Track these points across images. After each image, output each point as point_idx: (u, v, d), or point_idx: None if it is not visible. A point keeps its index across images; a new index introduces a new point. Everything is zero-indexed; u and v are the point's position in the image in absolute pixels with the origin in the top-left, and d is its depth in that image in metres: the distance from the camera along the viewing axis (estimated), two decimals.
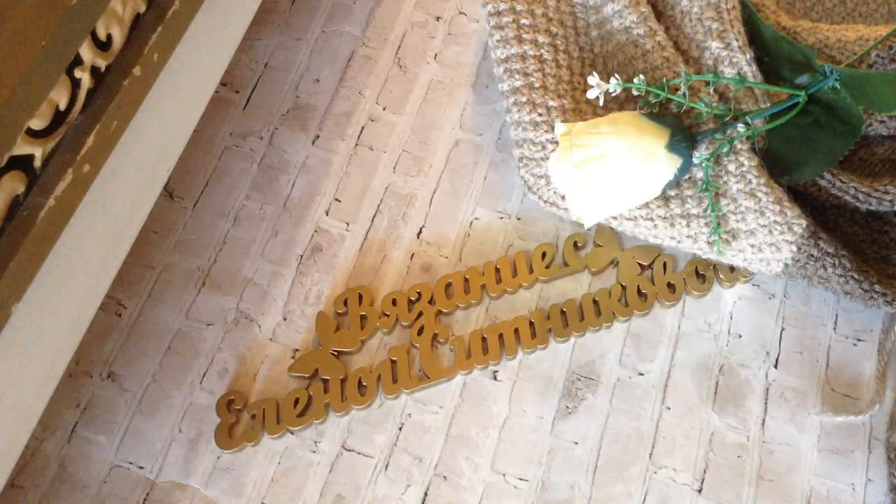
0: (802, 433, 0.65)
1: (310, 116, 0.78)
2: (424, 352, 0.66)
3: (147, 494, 0.63)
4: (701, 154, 0.65)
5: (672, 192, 0.66)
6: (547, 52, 0.72)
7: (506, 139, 0.76)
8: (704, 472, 0.64)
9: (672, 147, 0.63)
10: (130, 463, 0.64)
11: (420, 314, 0.68)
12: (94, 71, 0.51)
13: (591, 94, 0.65)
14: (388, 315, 0.68)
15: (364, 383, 0.65)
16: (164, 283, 0.70)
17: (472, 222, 0.73)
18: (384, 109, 0.78)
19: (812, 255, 0.64)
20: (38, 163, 0.48)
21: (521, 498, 0.63)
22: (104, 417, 0.65)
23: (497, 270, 0.70)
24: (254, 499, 0.63)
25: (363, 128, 0.77)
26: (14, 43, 0.42)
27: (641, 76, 0.65)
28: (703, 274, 0.69)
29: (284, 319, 0.69)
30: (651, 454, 0.64)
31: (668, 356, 0.67)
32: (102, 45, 0.51)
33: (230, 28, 0.68)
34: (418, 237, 0.72)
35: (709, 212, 0.64)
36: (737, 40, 0.67)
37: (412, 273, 0.71)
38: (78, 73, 0.49)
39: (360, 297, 0.69)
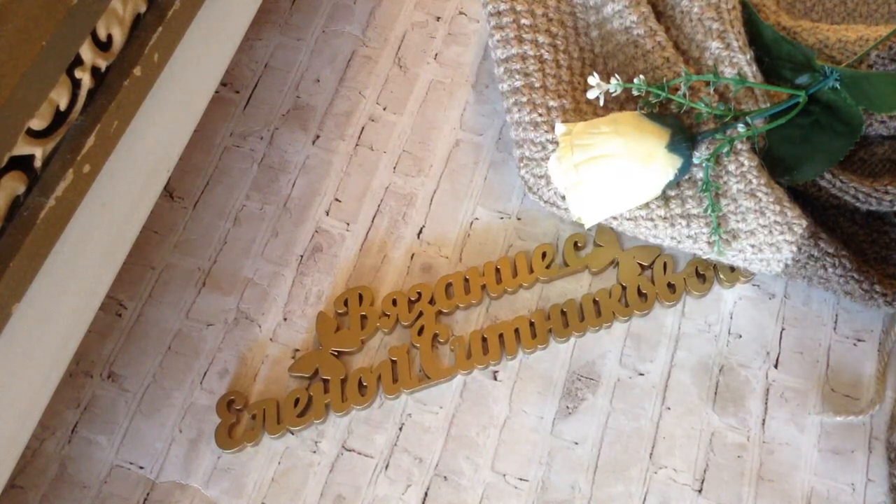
0: (802, 433, 0.65)
1: (310, 116, 0.78)
2: (425, 352, 0.66)
3: (147, 494, 0.63)
4: (701, 154, 0.65)
5: (672, 193, 0.66)
6: (547, 52, 0.72)
7: (506, 139, 0.76)
8: (704, 472, 0.64)
9: (672, 147, 0.63)
10: (130, 463, 0.64)
11: (420, 314, 0.68)
12: (95, 71, 0.51)
13: (591, 95, 0.65)
14: (388, 315, 0.68)
15: (364, 383, 0.65)
16: (164, 283, 0.70)
17: (472, 222, 0.73)
18: (384, 109, 0.78)
19: (812, 256, 0.64)
20: (38, 163, 0.48)
21: (522, 498, 0.63)
22: (104, 417, 0.65)
23: (497, 270, 0.70)
24: (254, 499, 0.63)
25: (363, 128, 0.77)
26: (14, 43, 0.42)
27: (641, 76, 0.65)
28: (704, 274, 0.69)
29: (285, 319, 0.69)
30: (651, 454, 0.64)
31: (668, 356, 0.67)
32: (103, 46, 0.51)
33: (230, 28, 0.68)
34: (418, 237, 0.72)
35: (709, 212, 0.64)
36: (737, 40, 0.67)
37: (412, 273, 0.71)
38: (78, 74, 0.49)
39: (361, 297, 0.69)
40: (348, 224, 0.73)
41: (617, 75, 0.65)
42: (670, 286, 0.69)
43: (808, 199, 0.68)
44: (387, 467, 0.64)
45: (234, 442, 0.64)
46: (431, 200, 0.74)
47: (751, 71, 0.66)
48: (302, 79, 0.80)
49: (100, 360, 0.67)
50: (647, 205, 0.66)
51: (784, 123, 0.65)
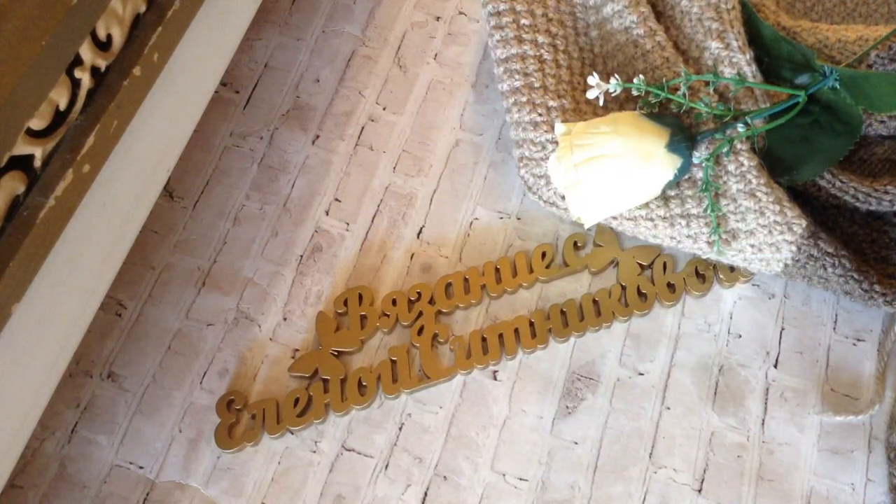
0: (802, 433, 0.65)
1: (310, 116, 0.78)
2: (424, 352, 0.66)
3: (147, 494, 0.63)
4: (701, 154, 0.65)
5: (672, 193, 0.66)
6: (547, 52, 0.72)
7: (506, 139, 0.76)
8: (704, 472, 0.64)
9: (672, 147, 0.63)
10: (130, 463, 0.64)
11: (420, 314, 0.68)
12: (95, 71, 0.51)
13: (590, 94, 0.65)
14: (388, 315, 0.68)
15: (364, 383, 0.66)
16: (164, 283, 0.70)
17: (472, 222, 0.73)
18: (384, 109, 0.78)
19: (812, 255, 0.64)
20: (38, 163, 0.48)
21: (521, 498, 0.63)
22: (104, 417, 0.65)
23: (497, 270, 0.70)
24: (254, 499, 0.63)
25: (363, 128, 0.77)
26: (14, 43, 0.42)
27: (641, 76, 0.65)
28: (703, 274, 0.69)
29: (284, 319, 0.69)
30: (651, 454, 0.64)
31: (668, 356, 0.67)
32: (102, 45, 0.51)
33: (230, 28, 0.68)
34: (418, 237, 0.72)
35: (709, 212, 0.64)
36: (736, 40, 0.67)
37: (412, 273, 0.71)
38: (78, 73, 0.49)
39: (360, 297, 0.69)
40: (348, 224, 0.73)
41: (616, 75, 0.65)
42: (670, 286, 0.69)
43: (807, 199, 0.68)
44: (386, 467, 0.64)
45: (234, 442, 0.64)
46: (431, 200, 0.74)
47: (750, 71, 0.66)
48: (302, 79, 0.80)
49: (100, 359, 0.67)
50: (646, 205, 0.66)
51: (783, 123, 0.65)
